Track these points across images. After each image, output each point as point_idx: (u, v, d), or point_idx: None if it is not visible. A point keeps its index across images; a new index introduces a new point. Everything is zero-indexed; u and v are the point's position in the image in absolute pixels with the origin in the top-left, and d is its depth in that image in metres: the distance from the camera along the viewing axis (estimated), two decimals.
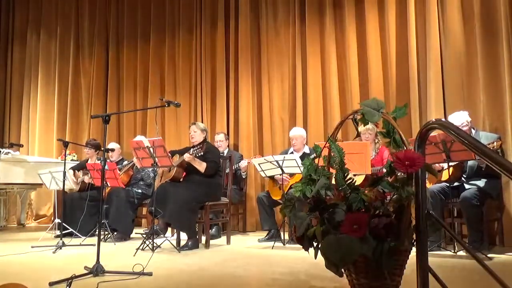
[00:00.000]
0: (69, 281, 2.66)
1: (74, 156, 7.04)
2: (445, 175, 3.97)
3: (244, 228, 6.03)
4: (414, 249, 1.78)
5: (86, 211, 5.10)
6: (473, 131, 4.13)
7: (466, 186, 3.97)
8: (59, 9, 8.07)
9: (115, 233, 5.06)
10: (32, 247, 4.45)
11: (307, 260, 3.30)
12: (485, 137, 4.00)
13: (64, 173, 4.76)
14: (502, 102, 4.38)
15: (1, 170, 5.93)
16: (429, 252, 1.80)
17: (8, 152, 6.16)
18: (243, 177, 5.78)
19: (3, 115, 8.34)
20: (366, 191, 1.83)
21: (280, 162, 4.44)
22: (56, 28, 8.05)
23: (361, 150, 3.60)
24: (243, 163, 5.60)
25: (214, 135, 6.06)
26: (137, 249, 4.06)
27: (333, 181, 1.91)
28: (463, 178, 4.07)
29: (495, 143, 3.59)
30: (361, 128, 4.39)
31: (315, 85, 5.86)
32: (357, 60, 5.59)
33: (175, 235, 4.63)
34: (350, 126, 5.04)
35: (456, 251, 3.68)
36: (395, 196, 1.82)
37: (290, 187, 4.65)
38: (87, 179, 5.42)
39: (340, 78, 5.73)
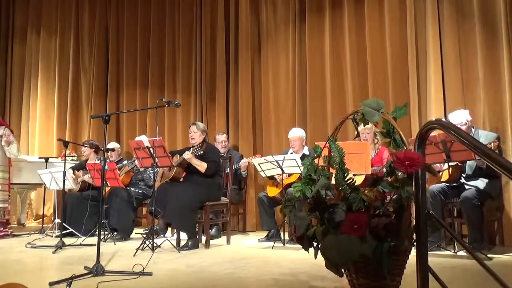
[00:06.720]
0: (69, 281, 2.65)
1: (74, 156, 7.03)
2: (445, 175, 3.97)
3: (244, 228, 6.03)
4: (414, 249, 1.78)
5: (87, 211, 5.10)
6: (473, 130, 4.12)
7: (466, 186, 3.96)
8: (59, 7, 8.09)
9: (115, 233, 5.06)
10: (28, 243, 4.55)
11: (307, 260, 3.29)
12: (485, 136, 3.98)
13: (64, 173, 4.75)
14: (502, 101, 4.38)
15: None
16: (429, 252, 1.80)
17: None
18: (243, 176, 5.78)
19: (3, 114, 8.30)
20: (366, 191, 1.83)
21: (280, 162, 4.44)
22: (56, 26, 8.06)
23: (361, 150, 3.61)
24: (243, 162, 5.60)
25: (213, 135, 6.05)
26: (137, 249, 4.06)
27: (333, 181, 1.91)
28: (463, 178, 4.06)
29: (492, 144, 3.57)
30: (361, 128, 4.38)
31: (315, 85, 5.85)
32: (357, 59, 5.59)
33: (175, 235, 4.63)
34: (350, 126, 5.03)
35: (456, 251, 3.67)
36: (395, 196, 1.82)
37: (288, 186, 4.64)
38: (87, 177, 5.42)
39: (340, 78, 5.73)
